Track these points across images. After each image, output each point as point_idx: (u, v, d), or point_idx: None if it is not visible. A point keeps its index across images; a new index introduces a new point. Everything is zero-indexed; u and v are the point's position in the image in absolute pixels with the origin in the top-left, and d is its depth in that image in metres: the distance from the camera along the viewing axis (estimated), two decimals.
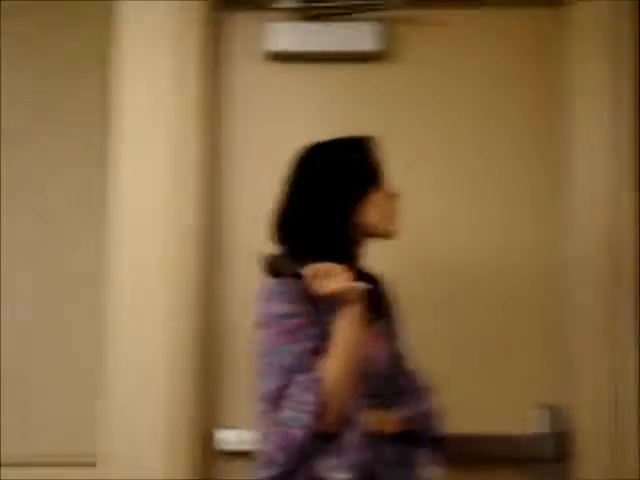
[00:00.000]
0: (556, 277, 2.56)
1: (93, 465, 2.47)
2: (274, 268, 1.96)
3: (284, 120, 2.66)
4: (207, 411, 2.54)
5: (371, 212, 2.01)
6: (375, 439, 1.90)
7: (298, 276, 1.91)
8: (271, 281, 1.96)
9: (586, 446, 2.43)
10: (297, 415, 1.81)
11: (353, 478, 1.81)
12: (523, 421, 2.51)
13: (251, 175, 2.64)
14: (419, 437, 2.00)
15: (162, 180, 2.53)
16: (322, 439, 1.83)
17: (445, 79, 2.65)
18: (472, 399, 2.49)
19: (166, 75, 2.55)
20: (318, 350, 1.88)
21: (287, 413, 1.82)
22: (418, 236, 2.51)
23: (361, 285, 1.90)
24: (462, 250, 2.58)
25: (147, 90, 2.55)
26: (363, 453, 1.84)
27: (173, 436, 2.45)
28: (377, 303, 2.08)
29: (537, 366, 2.54)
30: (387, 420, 1.96)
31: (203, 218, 2.56)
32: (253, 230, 2.57)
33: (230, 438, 2.52)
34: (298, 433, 1.80)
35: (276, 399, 1.84)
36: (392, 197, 2.06)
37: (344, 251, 1.99)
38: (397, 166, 2.46)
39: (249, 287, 2.51)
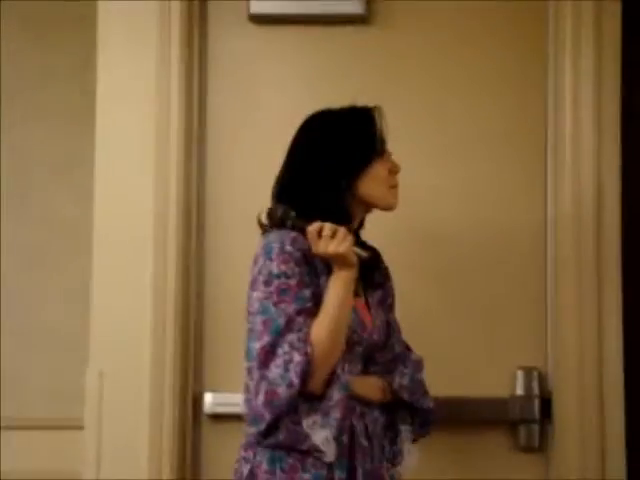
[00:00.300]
0: (541, 244, 2.57)
1: (81, 428, 2.50)
2: (279, 218, 1.95)
3: (268, 83, 2.64)
4: (194, 375, 2.56)
5: (371, 184, 2.01)
6: (361, 403, 1.95)
7: (301, 230, 1.91)
8: (268, 239, 1.95)
9: (569, 408, 2.45)
10: (284, 374, 1.82)
11: (334, 436, 1.83)
12: (508, 384, 2.53)
13: (236, 139, 2.63)
14: (407, 407, 2.03)
15: (146, 145, 2.53)
16: (308, 398, 1.85)
17: (430, 44, 2.62)
18: (458, 363, 2.51)
19: (150, 39, 2.54)
20: (310, 311, 1.89)
21: (275, 371, 1.83)
22: (404, 204, 2.50)
23: (361, 252, 1.91)
24: (448, 219, 2.58)
25: (131, 53, 2.54)
26: (346, 413, 1.86)
27: (159, 400, 2.47)
28: (372, 274, 2.09)
29: (522, 330, 2.56)
30: (375, 387, 1.99)
31: (186, 185, 2.56)
32: (237, 197, 2.62)
33: (218, 401, 2.54)
34: (284, 391, 1.81)
35: (264, 357, 1.85)
36: (393, 170, 2.05)
37: (343, 221, 1.97)
38: None
39: (232, 252, 2.59)
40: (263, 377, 1.84)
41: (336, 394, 1.85)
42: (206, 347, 2.59)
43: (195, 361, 2.57)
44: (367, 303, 2.06)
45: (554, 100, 2.56)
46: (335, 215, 1.96)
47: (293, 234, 1.93)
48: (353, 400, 1.91)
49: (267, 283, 1.90)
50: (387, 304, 2.13)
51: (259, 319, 1.89)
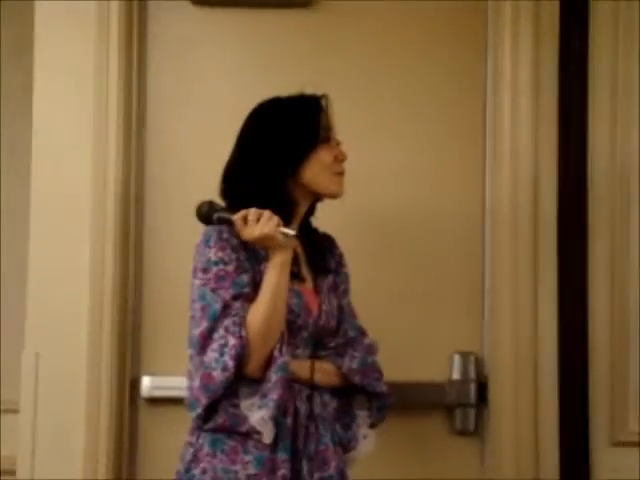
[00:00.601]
0: (478, 229, 2.59)
1: (16, 412, 2.48)
2: (204, 215, 1.96)
3: (209, 65, 2.63)
4: (132, 358, 2.54)
5: (315, 170, 2.02)
6: (307, 387, 1.96)
7: (227, 222, 1.92)
8: (207, 228, 1.97)
9: (504, 392, 2.48)
10: (219, 357, 1.85)
11: (271, 416, 1.85)
12: (445, 368, 2.56)
13: (177, 122, 2.62)
14: (363, 392, 2.05)
15: (84, 128, 2.51)
16: (249, 381, 1.87)
17: (371, 29, 2.62)
18: (395, 347, 2.50)
19: (88, 19, 2.51)
20: (247, 296, 1.91)
21: (210, 356, 1.86)
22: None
23: (288, 230, 1.90)
24: (383, 204, 2.58)
25: (69, 35, 2.52)
26: (284, 394, 1.87)
27: (95, 383, 2.45)
28: (322, 259, 2.11)
29: (459, 315, 2.58)
30: (322, 370, 2.00)
31: (125, 168, 2.54)
32: (177, 181, 2.60)
33: (156, 384, 2.52)
34: (219, 375, 1.84)
35: (202, 343, 1.89)
36: (339, 157, 2.06)
37: (285, 207, 1.99)
38: None
39: (171, 235, 2.58)
40: (201, 362, 1.87)
41: (273, 376, 1.87)
42: (144, 330, 2.57)
43: (132, 344, 2.55)
44: (316, 288, 2.06)
45: (493, 86, 2.57)
46: (278, 201, 1.98)
47: (213, 229, 1.96)
48: (298, 383, 1.94)
49: (205, 270, 1.93)
50: (341, 290, 2.14)
51: (198, 305, 1.93)
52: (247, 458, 1.89)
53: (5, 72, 2.76)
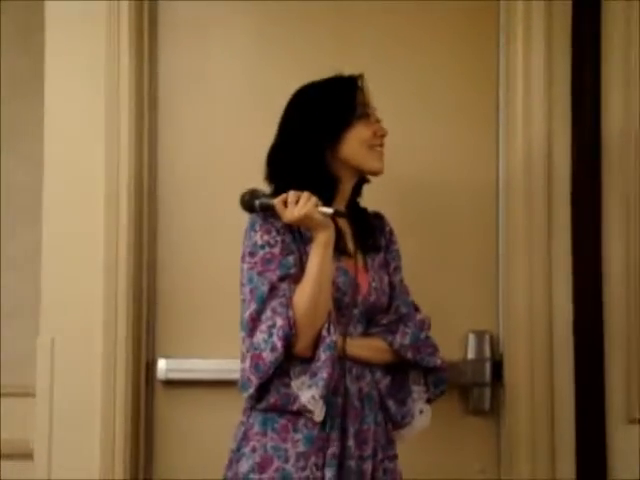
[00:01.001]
0: (493, 209, 2.58)
1: (32, 396, 2.49)
2: (247, 203, 1.99)
3: (222, 53, 2.63)
4: (147, 341, 2.55)
5: (352, 145, 2.04)
6: (358, 365, 1.99)
7: (269, 208, 1.95)
8: (252, 215, 2.01)
9: (520, 371, 2.48)
10: (268, 338, 1.89)
11: (321, 395, 1.87)
12: (460, 347, 2.56)
13: (188, 106, 2.61)
14: (418, 367, 2.06)
15: (96, 112, 2.51)
16: (301, 361, 1.91)
17: (385, 8, 2.61)
18: None
19: (100, 5, 2.51)
20: (294, 277, 1.94)
21: (259, 337, 1.90)
22: None
23: (326, 209, 1.92)
24: (400, 179, 2.57)
25: (80, 20, 2.52)
26: (333, 373, 1.89)
27: (111, 366, 2.46)
28: (372, 237, 2.13)
29: (474, 294, 2.58)
30: (373, 348, 2.02)
31: (138, 152, 2.54)
32: (190, 165, 2.60)
33: (171, 367, 2.53)
34: (268, 355, 1.88)
35: (251, 325, 1.93)
36: (378, 132, 2.06)
37: (327, 185, 2.03)
38: None
39: (185, 219, 2.59)
40: (251, 344, 1.91)
41: (322, 355, 1.90)
42: (159, 313, 2.58)
43: (147, 327, 2.56)
44: (366, 266, 2.08)
45: (505, 66, 2.57)
46: (319, 178, 2.02)
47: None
48: (349, 362, 1.96)
49: (252, 254, 1.98)
50: (392, 267, 2.15)
51: (247, 289, 1.97)
52: (297, 436, 1.93)
53: (12, 55, 2.77)
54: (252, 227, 2.00)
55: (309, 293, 1.90)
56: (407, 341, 2.04)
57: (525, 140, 2.52)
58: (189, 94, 2.62)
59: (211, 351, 2.53)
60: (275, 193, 2.00)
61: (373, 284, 2.06)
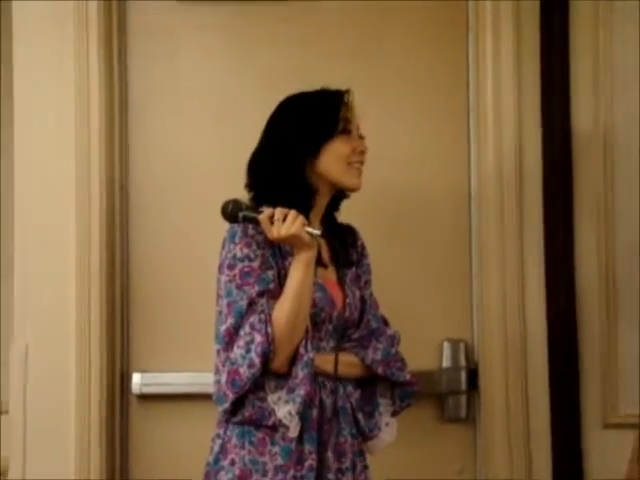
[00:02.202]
0: (465, 217, 2.61)
1: (6, 413, 2.52)
2: (230, 214, 1.97)
3: (192, 58, 2.64)
4: (122, 355, 2.56)
5: (331, 160, 2.04)
6: (332, 380, 2.00)
7: (253, 221, 1.93)
8: (232, 225, 1.99)
9: (495, 378, 2.49)
10: (245, 354, 1.89)
11: (297, 411, 1.89)
12: (436, 356, 2.57)
13: (158, 112, 2.63)
14: (386, 381, 2.07)
15: (66, 121, 2.53)
16: (276, 376, 1.92)
17: (350, 18, 2.64)
18: None
19: (67, 12, 2.53)
20: (273, 292, 1.94)
21: (237, 352, 1.90)
22: None
23: (313, 230, 1.92)
24: (372, 190, 2.58)
25: (49, 28, 2.54)
26: (310, 390, 1.91)
27: (85, 381, 2.47)
28: (347, 252, 2.14)
29: (448, 302, 2.59)
30: (346, 363, 2.02)
31: (109, 162, 2.55)
32: (161, 173, 2.61)
33: (146, 381, 2.54)
34: (246, 371, 1.89)
35: (227, 339, 1.93)
36: (356, 149, 2.07)
37: (305, 199, 2.03)
38: None
39: (157, 231, 2.60)
40: (227, 358, 1.92)
41: (300, 372, 1.91)
42: (133, 328, 2.59)
43: (122, 341, 2.57)
44: (340, 281, 2.09)
45: (475, 69, 2.59)
46: (297, 189, 2.02)
47: (238, 225, 1.98)
48: (323, 377, 1.98)
49: (231, 267, 1.97)
50: (363, 281, 2.16)
51: (224, 302, 1.96)
52: (275, 449, 1.93)
53: None
54: (232, 239, 1.98)
55: (289, 310, 1.91)
56: (379, 357, 2.05)
57: (496, 141, 2.54)
58: (159, 97, 2.64)
59: (185, 365, 2.54)
60: (255, 201, 2.01)
61: (347, 299, 2.06)
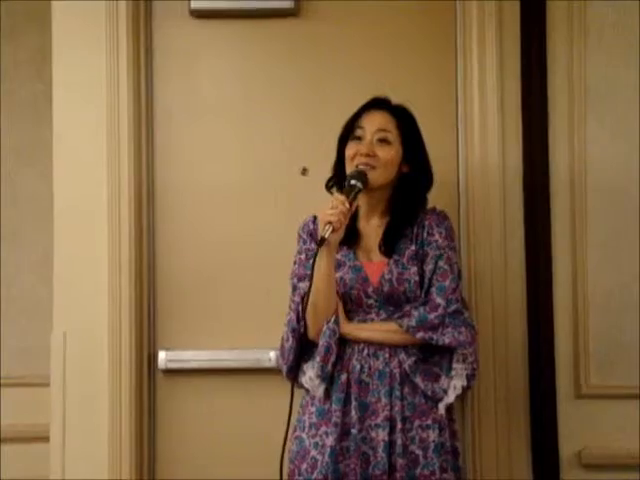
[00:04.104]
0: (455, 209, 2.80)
1: (47, 385, 2.76)
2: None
3: (212, 73, 2.88)
4: (149, 335, 2.81)
5: (346, 163, 2.37)
6: (372, 346, 2.29)
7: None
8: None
9: (482, 356, 2.51)
10: (286, 330, 2.32)
11: (317, 375, 2.24)
12: None
13: (181, 123, 2.87)
14: (444, 349, 2.27)
15: (99, 130, 2.78)
16: (306, 346, 2.29)
17: (353, 33, 2.85)
18: None
19: (100, 35, 2.78)
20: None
21: (284, 329, 2.33)
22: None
23: (325, 232, 2.19)
24: None
25: (83, 49, 2.79)
26: (327, 357, 2.24)
27: (117, 358, 2.73)
28: (392, 241, 2.35)
29: None
30: (382, 330, 2.29)
31: (137, 173, 2.80)
32: (184, 172, 2.86)
33: (170, 358, 2.78)
34: (286, 344, 2.31)
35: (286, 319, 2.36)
36: (358, 152, 2.34)
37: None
38: (310, 117, 2.81)
39: (182, 220, 2.85)
40: (282, 335, 2.35)
41: (320, 341, 2.26)
42: (159, 310, 2.84)
43: (149, 323, 2.82)
44: (388, 261, 2.32)
45: (463, 82, 2.82)
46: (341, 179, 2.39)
47: (306, 220, 2.44)
48: (361, 343, 2.29)
49: (294, 262, 2.42)
50: (430, 256, 2.32)
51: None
52: (312, 409, 2.30)
53: (28, 81, 3.09)
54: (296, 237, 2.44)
55: (312, 292, 2.24)
56: (413, 322, 2.25)
57: (482, 142, 2.77)
58: (183, 113, 2.87)
59: (205, 343, 2.80)
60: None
61: (386, 276, 2.31)
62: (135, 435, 2.74)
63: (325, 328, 2.25)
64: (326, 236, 2.19)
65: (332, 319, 2.26)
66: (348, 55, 2.86)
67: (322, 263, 2.23)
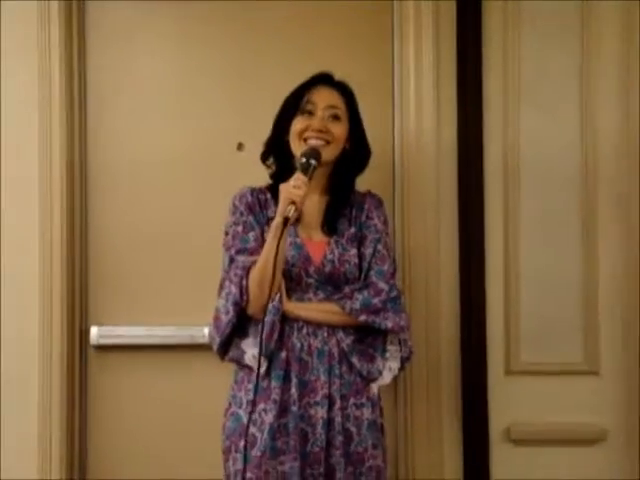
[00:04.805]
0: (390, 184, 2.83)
1: None
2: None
3: (147, 52, 2.85)
4: (81, 310, 2.80)
5: (291, 138, 2.37)
6: (311, 325, 2.29)
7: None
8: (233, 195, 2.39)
9: (414, 338, 2.62)
10: (225, 303, 2.27)
11: (262, 353, 2.20)
12: None
13: (115, 100, 2.85)
14: (378, 331, 2.31)
15: (30, 120, 2.76)
16: (252, 323, 2.26)
17: (290, 14, 2.84)
18: None
19: (30, 16, 2.75)
20: (252, 250, 2.29)
21: (220, 302, 2.29)
22: None
23: (288, 210, 2.17)
24: None
25: (12, 31, 2.76)
26: (270, 335, 2.22)
27: (48, 334, 2.72)
28: (334, 220, 2.37)
29: None
30: (322, 310, 2.29)
31: (70, 143, 2.78)
32: (117, 146, 2.84)
33: (103, 333, 2.78)
34: (224, 318, 2.27)
35: (218, 291, 2.32)
36: (310, 127, 2.34)
37: (286, 169, 2.37)
38: (245, 92, 2.80)
39: (114, 193, 2.83)
40: (215, 307, 2.31)
41: (266, 318, 2.22)
42: (91, 285, 2.83)
43: (81, 298, 2.80)
44: (329, 240, 2.34)
45: (400, 65, 2.82)
46: (280, 163, 2.41)
47: (243, 191, 2.39)
48: (300, 322, 2.28)
49: (225, 233, 2.38)
50: (368, 239, 2.36)
51: (222, 259, 2.35)
52: (249, 386, 2.27)
53: None
54: (229, 209, 2.38)
55: (258, 267, 2.22)
56: (357, 305, 2.28)
57: (418, 128, 2.79)
58: (117, 92, 2.84)
59: (138, 319, 2.79)
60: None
61: (328, 256, 2.31)
62: (66, 412, 2.74)
63: (270, 306, 2.22)
64: (290, 216, 2.17)
65: (277, 297, 2.24)
66: (286, 34, 2.85)
67: (281, 242, 2.20)
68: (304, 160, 2.26)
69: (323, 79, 2.40)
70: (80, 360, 2.79)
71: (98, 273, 2.83)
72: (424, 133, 2.79)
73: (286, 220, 2.16)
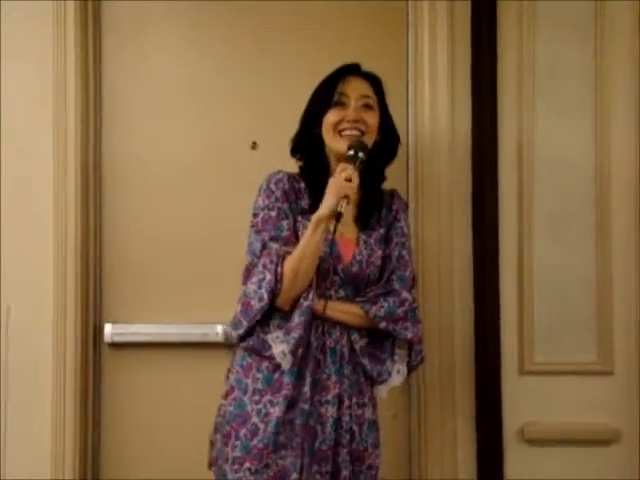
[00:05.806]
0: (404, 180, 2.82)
1: None
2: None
3: (161, 46, 2.86)
4: (95, 308, 2.80)
5: (325, 131, 2.34)
6: (328, 323, 2.27)
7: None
8: (264, 178, 2.34)
9: (427, 333, 2.64)
10: (257, 290, 2.22)
11: (291, 350, 2.18)
12: None
13: (131, 100, 2.85)
14: (387, 334, 2.31)
15: (45, 116, 2.76)
16: (281, 316, 2.24)
17: (303, 8, 2.85)
18: None
19: (46, 11, 2.76)
20: (286, 239, 2.26)
21: (250, 287, 2.24)
22: None
23: (341, 206, 2.15)
24: None
25: (30, 21, 2.77)
26: (303, 335, 2.20)
27: (62, 331, 2.72)
28: (369, 216, 2.37)
29: None
30: (344, 311, 2.28)
31: (84, 141, 2.79)
32: (132, 144, 2.85)
33: (116, 331, 2.78)
34: (256, 304, 2.22)
35: (245, 274, 2.28)
36: (345, 119, 2.32)
37: (319, 164, 2.38)
38: (261, 91, 2.80)
39: (128, 191, 2.84)
40: (244, 291, 2.25)
41: (297, 318, 2.21)
42: (105, 283, 2.83)
43: (95, 296, 2.81)
44: (358, 240, 2.33)
45: (414, 59, 2.83)
46: (311, 158, 2.38)
47: (280, 175, 2.33)
48: (318, 320, 2.25)
49: (255, 215, 2.32)
50: (394, 242, 2.36)
51: (248, 242, 2.30)
52: (258, 375, 2.25)
53: None
54: (259, 191, 2.33)
55: (294, 258, 2.20)
56: (382, 313, 2.27)
57: (433, 129, 2.79)
58: (132, 92, 2.85)
59: (151, 317, 2.79)
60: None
61: (357, 257, 2.31)
62: (80, 409, 2.73)
63: (304, 305, 2.20)
64: (342, 211, 2.16)
65: (310, 296, 2.22)
66: (301, 34, 2.85)
67: (318, 231, 2.18)
68: (352, 152, 2.25)
69: (351, 69, 2.38)
70: (94, 357, 2.80)
71: (112, 271, 2.83)
72: (439, 133, 2.78)
73: (339, 215, 2.15)
